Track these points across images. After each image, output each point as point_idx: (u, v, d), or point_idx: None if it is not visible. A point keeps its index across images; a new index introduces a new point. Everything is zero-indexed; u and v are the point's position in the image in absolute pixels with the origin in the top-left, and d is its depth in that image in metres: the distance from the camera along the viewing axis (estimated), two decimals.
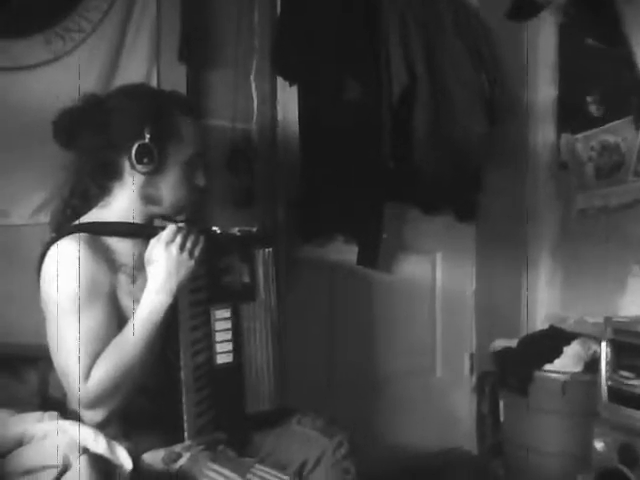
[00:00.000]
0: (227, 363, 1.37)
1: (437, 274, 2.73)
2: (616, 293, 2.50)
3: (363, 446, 1.50)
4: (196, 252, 1.31)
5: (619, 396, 1.94)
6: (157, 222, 1.45)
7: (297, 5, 2.31)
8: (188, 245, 1.30)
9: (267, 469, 1.31)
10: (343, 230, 2.40)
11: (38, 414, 1.31)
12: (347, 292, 2.48)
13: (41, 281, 1.31)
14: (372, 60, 2.38)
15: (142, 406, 1.31)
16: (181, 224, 1.34)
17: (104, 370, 1.24)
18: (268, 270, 1.45)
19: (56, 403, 1.40)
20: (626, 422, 1.90)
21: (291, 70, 2.32)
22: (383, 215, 2.42)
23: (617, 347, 1.97)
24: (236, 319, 1.39)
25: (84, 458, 1.16)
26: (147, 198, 1.38)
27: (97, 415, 1.26)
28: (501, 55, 2.74)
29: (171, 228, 1.31)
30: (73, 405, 1.30)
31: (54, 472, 1.15)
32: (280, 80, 2.35)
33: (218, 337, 1.36)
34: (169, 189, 1.39)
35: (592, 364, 2.21)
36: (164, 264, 1.28)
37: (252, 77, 2.31)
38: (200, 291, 1.34)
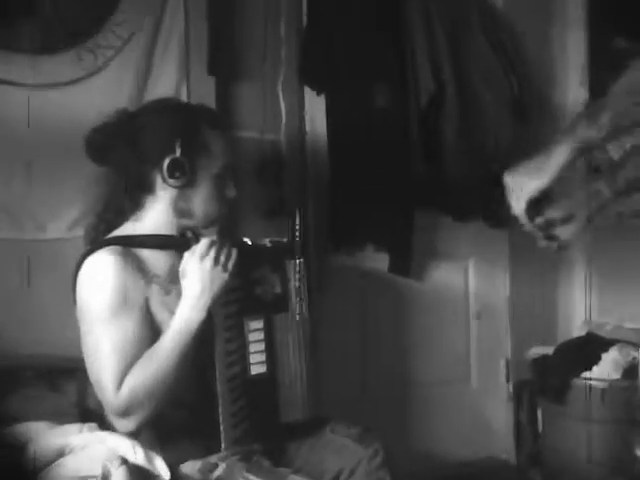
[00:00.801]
0: (261, 374, 1.38)
1: (470, 281, 2.71)
2: None
3: (398, 455, 1.49)
4: (230, 265, 1.33)
5: None
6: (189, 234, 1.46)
7: (323, 14, 2.32)
8: (222, 258, 1.32)
9: (302, 479, 1.31)
10: (374, 238, 2.40)
11: (77, 426, 1.34)
12: (379, 300, 2.47)
13: (76, 293, 1.34)
14: (399, 66, 2.38)
15: (179, 417, 1.32)
16: (214, 237, 1.36)
17: (137, 379, 1.26)
18: (299, 280, 1.45)
19: (95, 414, 1.42)
20: None
21: (318, 79, 2.33)
22: (414, 222, 2.41)
23: None
24: (269, 330, 1.40)
25: (123, 469, 1.18)
26: (179, 211, 1.40)
27: (129, 423, 1.28)
28: (529, 55, 2.71)
29: (205, 242, 1.33)
30: (108, 417, 1.32)
31: None
32: (308, 90, 2.35)
33: (252, 348, 1.37)
34: (200, 201, 1.41)
35: (631, 370, 2.17)
36: (199, 277, 1.30)
37: (279, 88, 2.32)
38: (234, 303, 1.35)
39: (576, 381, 2.27)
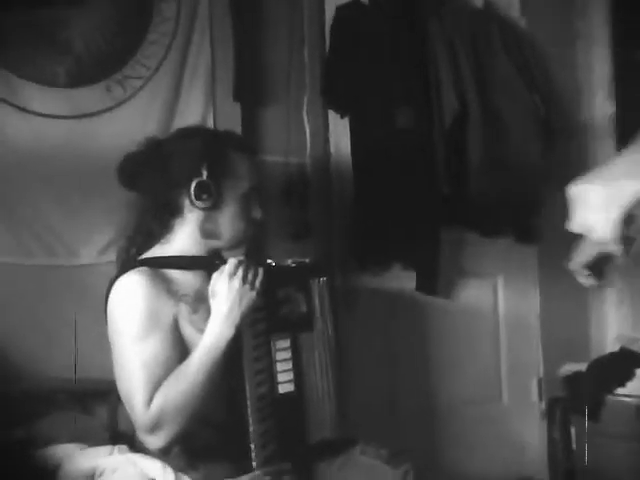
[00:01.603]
0: (289, 392, 1.39)
1: (499, 298, 2.68)
2: None
3: (428, 476, 1.48)
4: (257, 283, 1.35)
5: None
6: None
7: (345, 37, 2.35)
8: (249, 277, 1.34)
9: None
10: (401, 257, 2.40)
11: (108, 448, 1.36)
12: (407, 319, 2.46)
13: (107, 314, 1.37)
14: (422, 87, 2.40)
15: (208, 436, 1.34)
16: (241, 257, 1.38)
17: (167, 396, 1.28)
18: (324, 299, 1.47)
19: (126, 437, 1.44)
20: None
21: (342, 102, 2.36)
22: (440, 240, 2.41)
23: None
24: (295, 349, 1.41)
25: None
26: (206, 233, 1.44)
27: (158, 440, 1.29)
28: (553, 73, 2.71)
29: (232, 262, 1.35)
30: (138, 434, 1.33)
31: None
32: (332, 113, 2.38)
33: (279, 367, 1.38)
34: (227, 223, 1.45)
35: None
36: (227, 296, 1.32)
37: (304, 112, 2.36)
38: (261, 322, 1.37)
39: (610, 398, 2.22)
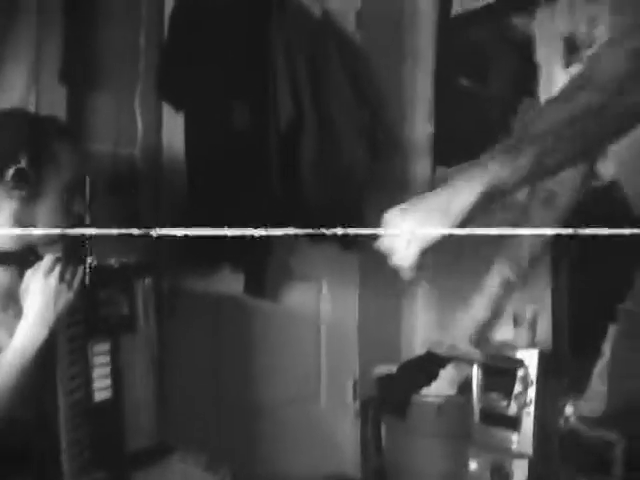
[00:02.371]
0: (105, 400, 1.34)
1: (322, 301, 2.77)
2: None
3: (248, 478, 1.50)
4: (75, 283, 1.29)
5: (490, 417, 2.04)
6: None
7: (184, 30, 2.30)
8: (67, 276, 1.28)
9: None
10: (229, 258, 2.40)
11: None
12: (233, 322, 2.46)
13: None
14: (259, 89, 2.41)
15: (17, 444, 1.25)
16: (59, 254, 1.31)
17: None
18: (148, 301, 1.44)
19: None
20: (497, 443, 2.00)
21: (177, 96, 2.31)
22: (270, 243, 2.44)
23: (487, 370, 2.07)
24: (115, 353, 1.37)
25: None
26: (22, 224, 1.34)
27: None
28: (382, 89, 2.84)
29: (49, 258, 1.28)
30: None
31: None
32: (167, 106, 2.32)
33: (97, 372, 1.33)
34: (46, 216, 1.36)
35: (465, 387, 2.31)
36: (42, 295, 1.25)
37: (136, 102, 2.27)
38: (78, 325, 1.32)
39: (416, 397, 2.39)
